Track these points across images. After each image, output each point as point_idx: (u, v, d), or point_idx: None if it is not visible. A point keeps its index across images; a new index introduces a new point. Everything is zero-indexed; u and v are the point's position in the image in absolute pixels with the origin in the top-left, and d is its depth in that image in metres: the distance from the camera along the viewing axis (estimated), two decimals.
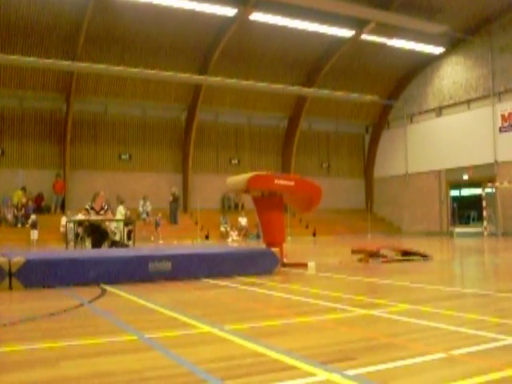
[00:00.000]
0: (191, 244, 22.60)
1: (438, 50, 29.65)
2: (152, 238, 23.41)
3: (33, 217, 23.44)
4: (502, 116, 27.27)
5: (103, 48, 25.85)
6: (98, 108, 27.71)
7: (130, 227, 17.84)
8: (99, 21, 24.36)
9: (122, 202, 23.38)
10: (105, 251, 11.28)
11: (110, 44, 25.88)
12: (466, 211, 32.44)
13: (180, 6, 23.34)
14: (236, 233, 26.58)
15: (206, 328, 4.24)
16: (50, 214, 25.83)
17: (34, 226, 23.00)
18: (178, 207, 27.69)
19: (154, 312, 5.20)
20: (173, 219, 27.20)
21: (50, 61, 23.78)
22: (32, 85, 25.71)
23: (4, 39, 24.06)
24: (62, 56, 24.86)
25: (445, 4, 26.02)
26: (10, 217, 24.25)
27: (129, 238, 17.59)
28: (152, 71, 25.31)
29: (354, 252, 11.83)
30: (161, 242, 23.48)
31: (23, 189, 25.16)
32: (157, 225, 24.51)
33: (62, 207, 26.07)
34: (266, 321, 4.62)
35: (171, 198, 27.18)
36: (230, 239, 25.93)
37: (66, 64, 24.25)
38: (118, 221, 17.35)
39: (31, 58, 23.49)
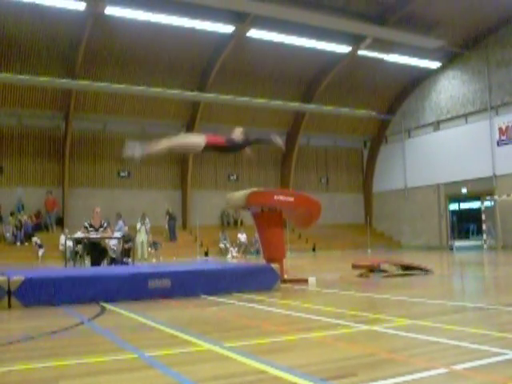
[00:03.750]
0: (190, 261, 22.50)
1: (434, 64, 29.81)
2: (154, 260, 22.88)
3: (34, 239, 23.74)
4: (500, 129, 27.34)
5: (102, 66, 25.96)
6: (97, 125, 27.76)
7: (130, 245, 17.81)
8: (97, 39, 24.49)
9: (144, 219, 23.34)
10: (104, 269, 11.27)
11: (109, 62, 25.99)
12: (466, 225, 32.44)
13: (178, 24, 23.49)
14: (236, 249, 26.53)
15: (206, 346, 4.23)
16: (48, 231, 25.81)
17: (40, 246, 23.38)
18: (175, 224, 27.65)
19: (154, 330, 5.18)
20: (172, 236, 27.15)
21: (49, 79, 23.88)
22: (31, 103, 25.78)
23: (2, 58, 24.18)
24: (60, 74, 24.95)
25: (441, 19, 26.19)
26: (8, 235, 24.22)
27: (128, 255, 17.56)
28: (150, 88, 25.42)
29: (354, 267, 11.81)
30: (154, 260, 22.95)
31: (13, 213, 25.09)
32: (155, 246, 23.89)
33: (58, 224, 26.04)
34: (267, 338, 4.60)
35: (167, 217, 27.17)
36: (229, 255, 25.87)
37: (64, 82, 24.37)
38: (118, 238, 17.29)
39: (30, 77, 23.59)
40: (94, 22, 23.09)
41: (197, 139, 8.05)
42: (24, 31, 23.57)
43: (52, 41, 24.36)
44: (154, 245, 23.63)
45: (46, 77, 23.95)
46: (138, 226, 23.17)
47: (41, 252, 22.98)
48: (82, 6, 21.62)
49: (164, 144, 8.02)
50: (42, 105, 26.05)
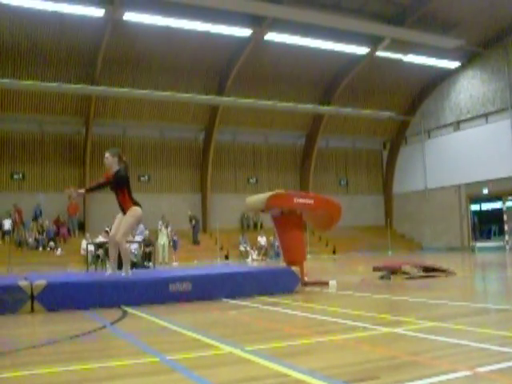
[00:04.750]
0: (211, 264, 22.52)
1: (453, 64, 29.59)
2: (175, 263, 22.82)
3: (51, 243, 24.14)
4: None
5: (121, 71, 26.16)
6: (117, 131, 27.95)
7: (150, 249, 17.91)
8: (116, 45, 24.69)
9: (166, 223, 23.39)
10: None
11: (128, 67, 26.19)
12: (487, 225, 32.10)
13: (195, 29, 23.60)
14: (256, 252, 26.53)
15: (228, 349, 4.22)
16: (70, 236, 26.02)
17: (53, 248, 24.07)
18: (199, 228, 27.85)
19: (176, 333, 5.19)
20: (195, 239, 27.26)
21: (69, 85, 24.12)
22: (51, 109, 26.05)
23: (24, 65, 24.49)
24: (80, 80, 25.20)
25: (459, 18, 26.00)
26: (31, 240, 24.48)
27: (149, 259, 17.65)
28: (169, 93, 25.56)
29: (375, 269, 11.74)
30: (175, 263, 22.92)
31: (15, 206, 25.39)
32: (175, 244, 24.05)
33: (80, 229, 26.25)
34: (288, 340, 4.59)
35: (193, 222, 27.31)
36: (249, 259, 25.88)
37: (84, 88, 24.58)
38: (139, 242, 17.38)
39: (50, 84, 23.86)
40: (112, 28, 23.29)
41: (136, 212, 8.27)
42: (44, 38, 23.84)
43: (72, 47, 24.60)
44: (174, 243, 23.74)
45: (66, 83, 24.21)
46: (159, 228, 23.21)
47: (58, 252, 23.68)
48: (100, 13, 21.83)
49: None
50: (62, 111, 26.31)
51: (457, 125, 30.72)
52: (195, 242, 27.21)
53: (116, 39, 24.32)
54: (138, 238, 17.97)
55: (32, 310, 6.89)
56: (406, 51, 27.36)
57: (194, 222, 27.33)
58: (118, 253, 8.34)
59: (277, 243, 23.58)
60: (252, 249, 26.73)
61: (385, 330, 4.94)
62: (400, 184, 34.32)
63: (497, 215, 29.10)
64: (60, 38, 23.99)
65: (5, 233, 24.35)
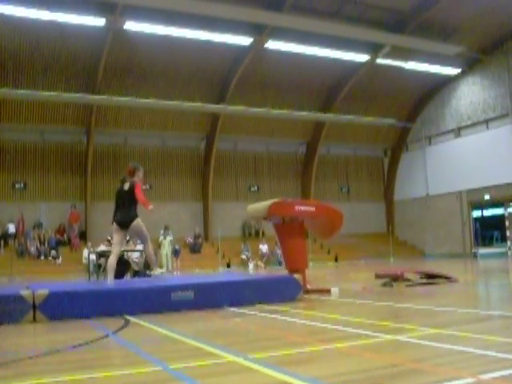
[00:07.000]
0: (213, 272, 22.48)
1: (454, 70, 29.60)
2: (176, 272, 22.73)
3: (53, 252, 24.29)
4: None
5: (122, 80, 26.21)
6: (118, 139, 27.97)
7: None
8: (117, 54, 24.75)
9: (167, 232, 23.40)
10: (127, 282, 11.32)
11: (129, 76, 26.24)
12: (489, 232, 32.09)
13: (196, 37, 23.65)
14: (253, 261, 26.39)
15: (230, 357, 4.22)
16: (71, 245, 25.99)
17: (56, 257, 24.23)
18: (202, 241, 27.94)
19: (178, 342, 5.18)
20: (196, 250, 27.30)
21: (71, 95, 24.18)
22: (53, 119, 26.07)
23: (25, 75, 24.55)
24: (81, 89, 25.25)
25: (460, 25, 26.06)
26: (33, 249, 24.48)
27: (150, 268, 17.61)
28: (170, 102, 25.60)
29: (377, 276, 11.73)
30: (176, 272, 22.77)
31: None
32: (176, 253, 24.00)
33: (81, 238, 26.22)
34: (291, 349, 4.58)
35: (200, 239, 27.48)
36: (251, 266, 25.81)
37: (85, 97, 24.63)
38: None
39: (52, 93, 23.91)
40: (113, 37, 23.35)
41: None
42: (45, 48, 23.91)
43: (73, 57, 24.67)
44: (175, 253, 23.72)
45: (67, 92, 24.27)
46: (161, 238, 23.15)
47: (59, 260, 24.14)
48: (101, 22, 21.89)
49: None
50: (63, 120, 26.34)
51: (457, 131, 30.74)
52: (197, 251, 27.29)
53: (117, 48, 24.38)
54: (140, 247, 17.92)
55: (34, 319, 6.89)
56: (406, 58, 27.39)
57: (200, 239, 27.53)
58: (120, 264, 8.50)
59: (279, 251, 23.52)
60: (249, 258, 26.46)
61: (388, 337, 4.94)
62: (401, 191, 34.30)
63: (499, 221, 29.09)
64: (61, 47, 24.07)
65: (9, 236, 24.47)
